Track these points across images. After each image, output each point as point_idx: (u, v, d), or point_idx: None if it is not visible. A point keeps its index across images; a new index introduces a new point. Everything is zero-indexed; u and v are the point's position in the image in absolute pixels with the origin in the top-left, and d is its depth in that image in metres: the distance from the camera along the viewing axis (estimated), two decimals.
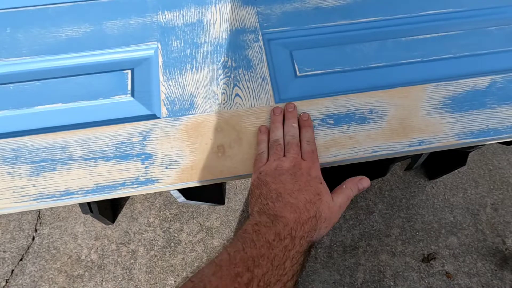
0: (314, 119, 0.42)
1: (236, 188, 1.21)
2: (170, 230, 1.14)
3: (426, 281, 1.07)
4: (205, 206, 1.16)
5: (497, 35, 0.48)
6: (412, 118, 0.43)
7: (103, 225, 1.11)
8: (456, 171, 1.22)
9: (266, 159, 0.37)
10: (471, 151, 0.95)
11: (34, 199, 0.38)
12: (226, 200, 1.17)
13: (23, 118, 0.42)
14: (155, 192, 1.18)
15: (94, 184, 0.38)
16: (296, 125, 0.40)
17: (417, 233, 1.14)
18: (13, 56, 0.45)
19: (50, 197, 0.38)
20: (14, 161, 0.39)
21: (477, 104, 0.44)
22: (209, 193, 0.92)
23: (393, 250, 1.12)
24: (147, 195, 1.16)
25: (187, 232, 1.14)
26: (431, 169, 1.19)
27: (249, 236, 0.28)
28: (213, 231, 1.14)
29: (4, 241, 1.12)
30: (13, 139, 0.41)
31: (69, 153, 0.40)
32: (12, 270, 1.06)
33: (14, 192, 0.38)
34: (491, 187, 1.22)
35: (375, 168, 0.86)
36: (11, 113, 0.42)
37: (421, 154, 0.80)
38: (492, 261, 1.11)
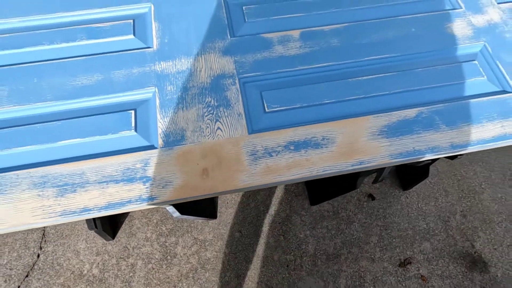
0: (279, 146, 0.54)
1: (227, 202, 1.31)
2: (166, 244, 1.23)
3: (403, 284, 1.17)
4: (199, 220, 1.26)
5: (422, 75, 0.61)
6: (355, 143, 0.55)
7: (104, 241, 1.20)
8: (427, 181, 1.34)
9: None
10: (426, 164, 1.08)
11: (59, 215, 0.48)
12: (218, 214, 1.27)
13: (48, 151, 0.53)
14: (152, 209, 1.28)
15: (107, 202, 0.49)
16: None
17: (394, 240, 1.25)
18: (39, 101, 0.57)
19: (72, 213, 0.48)
20: (43, 186, 0.50)
21: (406, 131, 0.56)
22: (202, 208, 1.02)
23: (372, 256, 1.22)
24: (144, 211, 1.25)
25: (182, 245, 1.23)
26: (404, 180, 1.31)
27: None
28: (207, 243, 1.23)
29: (11, 259, 1.19)
30: (41, 168, 0.51)
31: (86, 178, 0.51)
32: (18, 287, 1.13)
33: (43, 210, 0.48)
34: (460, 195, 1.34)
35: (345, 182, 0.97)
36: (39, 147, 0.53)
37: (383, 168, 0.92)
38: (462, 264, 1.21)
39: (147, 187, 0.50)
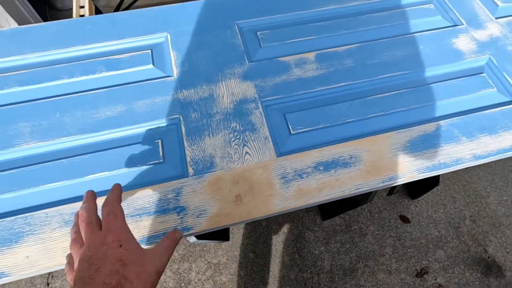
0: (308, 167, 0.55)
1: None
2: (180, 270, 1.20)
3: None
4: (211, 243, 1.24)
5: (436, 89, 0.64)
6: (382, 159, 0.56)
7: None
8: (434, 189, 1.36)
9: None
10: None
11: None
12: (230, 236, 1.25)
13: (77, 186, 0.52)
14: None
15: (141, 236, 0.48)
16: (85, 204, 0.40)
17: (408, 250, 1.25)
18: (63, 136, 0.56)
19: None
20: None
21: (428, 145, 0.58)
22: (215, 231, 1.00)
23: (389, 268, 1.21)
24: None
25: (196, 271, 1.20)
26: (413, 189, 1.33)
27: None
28: (221, 267, 1.20)
29: None
30: (70, 205, 0.50)
31: None
32: None
33: None
34: (467, 201, 1.36)
35: (359, 196, 0.98)
36: (67, 183, 0.52)
37: None
38: (478, 270, 1.22)
39: (181, 218, 0.50)
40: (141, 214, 0.50)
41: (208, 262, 1.21)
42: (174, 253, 1.22)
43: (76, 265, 0.33)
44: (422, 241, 1.26)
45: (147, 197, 0.51)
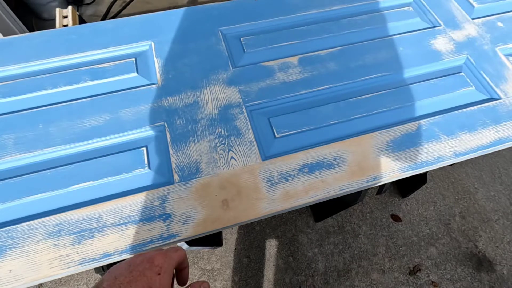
0: (293, 170, 0.55)
1: (232, 228, 1.30)
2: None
3: None
4: (205, 249, 1.23)
5: (417, 90, 0.65)
6: (366, 160, 0.57)
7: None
8: (424, 187, 1.38)
9: None
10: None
11: (78, 264, 0.46)
12: (223, 241, 1.25)
13: (62, 197, 0.52)
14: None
15: (127, 245, 0.48)
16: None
17: (401, 248, 1.26)
18: (48, 147, 0.56)
19: (91, 260, 0.47)
20: (58, 234, 0.48)
21: (411, 144, 0.59)
22: (208, 236, 1.00)
23: (382, 268, 1.22)
24: None
25: (190, 278, 1.18)
26: (403, 188, 1.34)
27: None
28: (215, 273, 1.20)
29: None
30: (55, 216, 0.50)
31: (103, 222, 0.49)
32: None
33: (61, 260, 0.46)
34: (456, 197, 1.38)
35: (349, 196, 0.99)
36: (51, 194, 0.52)
37: None
38: (469, 265, 1.23)
39: (167, 225, 0.50)
40: (127, 223, 0.50)
41: (202, 268, 1.20)
42: None
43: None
44: (414, 239, 1.27)
45: (132, 205, 0.51)
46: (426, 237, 1.28)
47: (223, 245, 1.24)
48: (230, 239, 1.26)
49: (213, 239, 0.98)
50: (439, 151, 0.58)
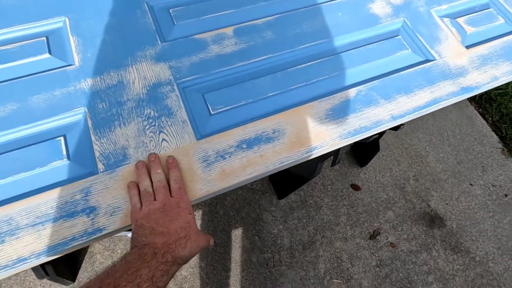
0: (231, 147, 0.52)
1: (195, 215, 1.26)
2: None
3: (376, 255, 1.23)
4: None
5: (355, 55, 0.64)
6: (305, 130, 0.55)
7: (64, 287, 1.07)
8: (380, 155, 1.43)
9: (139, 208, 0.43)
10: (375, 139, 1.15)
11: None
12: None
13: None
14: (114, 238, 1.18)
15: (45, 246, 0.43)
16: (160, 170, 0.46)
17: (361, 215, 1.31)
18: None
19: (3, 267, 0.41)
20: None
21: (350, 110, 0.58)
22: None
23: (345, 236, 1.26)
24: (105, 244, 1.15)
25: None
26: (360, 158, 1.38)
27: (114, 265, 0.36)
28: None
29: None
30: None
31: (15, 224, 0.44)
32: None
33: None
34: (410, 162, 1.45)
35: (306, 171, 0.99)
36: None
37: (338, 150, 0.96)
38: (423, 224, 1.31)
39: (92, 219, 0.45)
40: (44, 222, 0.44)
41: None
42: None
43: (146, 210, 0.42)
44: (373, 205, 1.33)
45: (50, 202, 0.45)
46: (384, 202, 1.34)
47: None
48: None
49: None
50: (378, 116, 0.58)
